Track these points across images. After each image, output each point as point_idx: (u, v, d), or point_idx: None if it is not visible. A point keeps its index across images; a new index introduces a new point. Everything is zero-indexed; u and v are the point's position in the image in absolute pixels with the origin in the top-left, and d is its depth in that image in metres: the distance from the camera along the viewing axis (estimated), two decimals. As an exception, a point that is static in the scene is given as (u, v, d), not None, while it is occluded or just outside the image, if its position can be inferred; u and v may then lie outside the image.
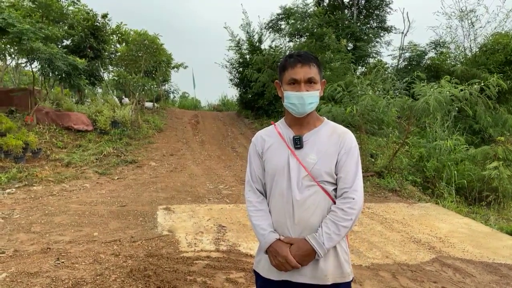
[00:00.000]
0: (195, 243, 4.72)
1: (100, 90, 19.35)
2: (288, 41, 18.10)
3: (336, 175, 1.74)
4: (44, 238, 4.75)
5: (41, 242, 4.60)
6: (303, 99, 1.72)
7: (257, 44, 18.76)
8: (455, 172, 8.71)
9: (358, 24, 17.87)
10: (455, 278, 4.09)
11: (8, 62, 16.35)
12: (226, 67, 19.74)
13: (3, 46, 11.85)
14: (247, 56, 18.67)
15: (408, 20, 18.78)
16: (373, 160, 10.34)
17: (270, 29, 18.55)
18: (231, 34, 18.80)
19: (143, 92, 15.51)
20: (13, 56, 14.19)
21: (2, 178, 7.93)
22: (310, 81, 1.72)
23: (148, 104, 18.02)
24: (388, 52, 39.57)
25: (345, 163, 1.73)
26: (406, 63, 17.33)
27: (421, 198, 8.07)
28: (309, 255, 1.67)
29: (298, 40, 17.22)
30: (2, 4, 10.87)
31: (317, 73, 1.75)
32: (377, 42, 18.00)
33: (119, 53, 15.06)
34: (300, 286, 1.73)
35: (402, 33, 18.02)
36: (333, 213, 1.69)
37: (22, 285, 3.44)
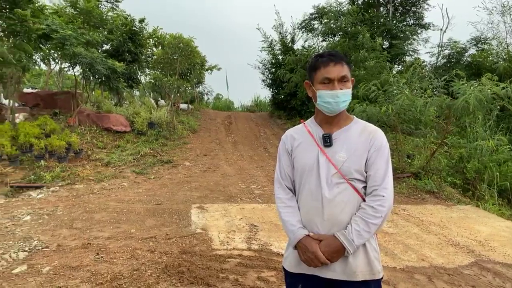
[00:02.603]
0: (227, 242, 4.80)
1: (137, 93, 20.01)
2: (321, 41, 17.96)
3: (366, 173, 1.74)
4: (84, 234, 4.99)
5: (82, 237, 4.83)
6: (338, 97, 1.74)
7: (290, 44, 18.75)
8: (498, 173, 8.32)
9: (394, 21, 17.43)
10: (495, 283, 3.92)
11: (52, 67, 17.27)
12: (259, 68, 19.88)
13: (47, 51, 12.50)
14: (280, 57, 18.69)
15: (448, 16, 18.15)
16: (409, 161, 10.07)
17: (303, 29, 18.48)
18: (264, 35, 18.91)
19: (178, 94, 15.88)
20: (56, 61, 14.96)
21: (47, 176, 8.38)
22: (343, 80, 1.75)
23: (183, 106, 18.42)
24: (426, 49, 38.33)
25: (375, 161, 1.73)
26: (445, 60, 16.73)
27: (461, 200, 7.77)
28: (338, 252, 1.68)
29: (331, 39, 17.04)
30: (46, 11, 11.47)
31: (348, 72, 1.78)
32: (414, 39, 17.47)
33: (155, 56, 15.50)
34: (328, 282, 1.75)
35: (441, 29, 17.42)
36: (362, 210, 1.70)
37: (64, 278, 3.63)
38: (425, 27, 18.01)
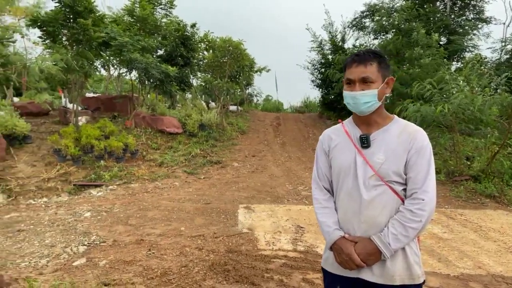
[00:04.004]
0: (273, 242, 4.83)
1: (189, 96, 20.65)
2: (373, 39, 17.45)
3: (406, 175, 1.68)
4: (138, 230, 5.25)
5: (136, 234, 5.10)
6: (357, 99, 1.71)
7: (340, 43, 18.41)
8: None
9: (452, 16, 16.51)
10: None
11: (111, 72, 18.34)
12: (308, 68, 19.70)
13: (107, 58, 13.29)
14: (330, 57, 18.41)
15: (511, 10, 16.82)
16: (468, 163, 9.48)
17: (354, 28, 18.07)
18: (313, 35, 18.72)
19: (227, 96, 16.18)
20: (115, 66, 15.84)
21: (106, 176, 8.92)
22: (365, 81, 1.70)
23: (233, 108, 18.74)
24: (487, 45, 35.83)
25: (415, 163, 1.67)
26: (508, 56, 15.55)
27: (526, 206, 7.19)
28: (374, 255, 1.65)
29: (383, 37, 16.50)
30: (105, 20, 12.21)
31: (375, 72, 1.70)
32: (474, 34, 16.42)
33: (206, 60, 15.91)
34: (367, 284, 1.72)
35: (504, 23, 16.22)
36: (400, 213, 1.65)
37: (118, 272, 3.86)
38: (486, 21, 16.87)
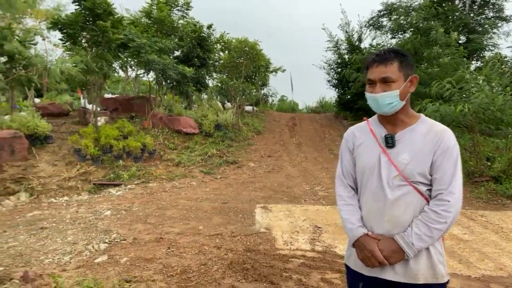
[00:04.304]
0: (290, 242, 4.83)
1: (205, 96, 20.79)
2: (391, 38, 17.25)
3: (431, 175, 1.67)
4: (157, 229, 5.32)
5: (155, 232, 5.17)
6: (377, 100, 1.71)
7: (357, 43, 18.28)
8: None
9: (472, 14, 16.19)
10: None
11: (129, 74, 18.59)
12: (324, 68, 19.62)
13: (125, 59, 13.50)
14: (346, 56, 18.30)
15: (534, 6, 16.39)
16: (489, 163, 9.28)
17: (371, 27, 17.91)
18: (329, 35, 18.65)
19: (243, 97, 16.23)
20: (133, 68, 16.07)
21: (125, 175, 9.06)
22: (385, 81, 1.68)
23: (248, 108, 18.79)
24: (507, 43, 34.99)
25: (442, 164, 1.65)
26: (530, 54, 15.15)
27: (549, 208, 7.00)
28: (396, 253, 1.64)
29: (401, 36, 16.30)
30: (124, 22, 12.40)
31: (396, 71, 1.68)
32: (494, 33, 16.06)
33: (222, 61, 16.00)
34: (389, 284, 1.71)
35: (525, 22, 15.82)
36: (425, 214, 1.64)
37: (139, 269, 3.92)
38: (506, 19, 16.48)
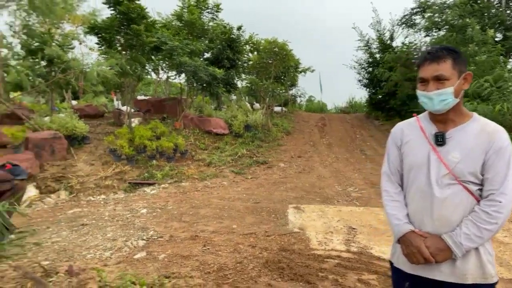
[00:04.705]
0: (325, 242, 4.80)
1: (234, 97, 20.96)
2: (424, 36, 16.82)
3: (482, 175, 1.63)
4: (192, 227, 5.42)
5: (190, 230, 5.26)
6: (430, 98, 1.68)
7: (388, 41, 17.95)
8: None
9: (508, 11, 15.52)
10: None
11: (160, 76, 19.01)
12: (355, 68, 19.37)
13: (157, 61, 13.82)
14: (377, 55, 18.00)
15: None
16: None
17: (403, 25, 17.53)
18: (360, 34, 18.39)
19: (272, 97, 16.25)
20: (165, 70, 16.43)
21: (158, 175, 9.27)
22: (438, 79, 1.65)
23: (277, 108, 18.78)
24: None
25: (494, 164, 1.61)
26: None
27: None
28: (443, 251, 1.61)
29: (435, 34, 15.85)
30: (156, 25, 12.70)
31: (449, 69, 1.65)
32: (531, 30, 15.31)
33: (251, 62, 16.09)
34: (435, 283, 1.68)
35: None
36: (475, 214, 1.61)
37: (177, 266, 4.00)
38: (544, 16, 15.68)
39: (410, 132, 1.85)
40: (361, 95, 26.55)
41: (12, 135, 8.75)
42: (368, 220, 5.76)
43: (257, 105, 18.40)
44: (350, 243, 4.80)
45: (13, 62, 13.20)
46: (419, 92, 1.74)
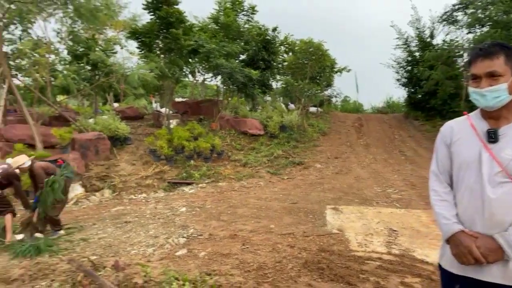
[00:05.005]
0: (365, 244, 4.72)
1: (269, 98, 21.03)
2: (466, 33, 16.14)
3: None
4: (230, 226, 5.49)
5: (228, 229, 5.34)
6: (483, 95, 1.62)
7: (428, 39, 17.38)
8: None
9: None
10: None
11: (197, 78, 19.40)
12: (393, 67, 18.89)
13: (195, 64, 14.12)
14: (417, 54, 17.47)
15: None
16: None
17: (444, 22, 16.88)
18: (398, 32, 17.93)
19: (307, 98, 16.16)
20: (201, 72, 16.76)
21: (196, 174, 9.47)
22: (492, 75, 1.60)
23: (312, 109, 18.65)
24: None
25: None
26: None
27: None
28: (495, 252, 1.55)
29: (478, 31, 15.16)
30: (194, 29, 12.99)
31: (502, 65, 1.60)
32: None
33: (286, 62, 16.09)
34: (485, 285, 1.61)
35: None
36: None
37: (217, 263, 4.08)
38: None
39: (460, 130, 1.80)
40: (399, 94, 25.87)
41: (60, 136, 9.24)
42: (410, 222, 5.61)
43: (292, 106, 18.35)
44: (391, 245, 4.69)
45: (59, 67, 13.93)
46: (471, 89, 1.69)
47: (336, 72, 18.11)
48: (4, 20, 10.37)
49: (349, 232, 5.18)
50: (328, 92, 21.44)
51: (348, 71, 18.50)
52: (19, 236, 5.06)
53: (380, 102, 24.65)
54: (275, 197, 7.28)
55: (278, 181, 9.01)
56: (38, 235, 5.05)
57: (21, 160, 5.16)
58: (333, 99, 23.58)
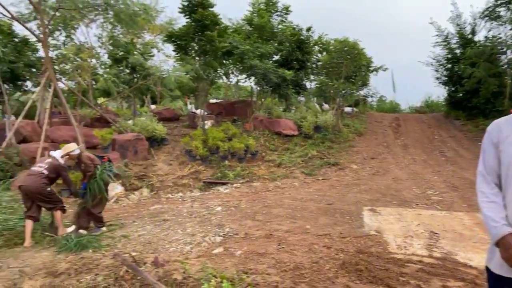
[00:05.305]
0: (404, 246, 4.59)
1: (302, 98, 20.90)
2: (510, 29, 15.33)
3: None
4: (266, 225, 5.50)
5: (264, 229, 5.34)
6: None
7: (470, 36, 16.65)
8: None
9: None
10: None
11: (230, 79, 19.60)
12: (432, 65, 18.24)
13: (229, 66, 14.27)
14: (457, 51, 16.79)
15: None
16: None
17: (486, 18, 16.12)
18: (438, 29, 17.30)
19: (342, 98, 15.92)
20: (235, 73, 16.92)
21: (230, 174, 9.55)
22: None
23: (348, 109, 18.35)
24: None
25: None
26: None
27: None
28: None
29: (523, 26, 14.39)
30: (228, 31, 13.14)
31: None
32: None
33: (321, 62, 15.92)
34: None
35: None
36: None
37: (253, 262, 4.09)
38: None
39: (508, 128, 1.71)
40: (438, 93, 24.89)
41: (102, 137, 9.61)
42: (452, 225, 5.40)
43: (326, 106, 18.12)
44: (433, 248, 4.53)
45: (100, 71, 14.49)
46: None
47: (372, 71, 17.67)
48: (50, 27, 10.93)
49: (388, 234, 5.05)
50: (363, 91, 21.01)
51: (385, 70, 18.00)
52: (70, 229, 5.33)
53: (418, 101, 23.89)
54: (310, 197, 7.22)
55: (313, 182, 8.94)
56: (82, 231, 5.28)
57: (72, 147, 5.48)
58: (369, 99, 23.10)
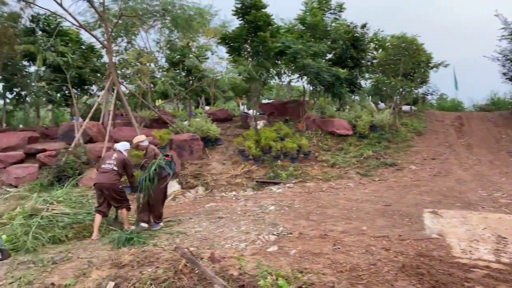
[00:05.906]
0: (470, 251, 4.31)
1: (356, 97, 20.36)
2: None
3: None
4: (320, 226, 5.43)
5: (318, 229, 5.28)
6: None
7: (541, 26, 15.28)
8: None
9: None
10: None
11: (283, 79, 19.60)
12: (498, 60, 16.95)
13: (281, 66, 14.26)
14: (528, 43, 15.47)
15: None
16: None
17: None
18: (504, 21, 16.04)
19: (400, 96, 15.32)
20: (287, 73, 16.88)
21: (283, 174, 9.55)
22: None
23: (405, 108, 17.62)
24: None
25: None
26: None
27: None
28: None
29: None
30: (280, 31, 13.14)
31: None
32: None
33: (376, 60, 15.42)
34: None
35: None
36: None
37: (308, 262, 4.05)
38: None
39: None
40: (505, 90, 23.05)
41: (160, 137, 10.05)
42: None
43: (382, 105, 17.53)
44: (501, 253, 4.22)
45: (158, 74, 15.14)
46: None
47: (432, 67, 16.80)
48: (113, 34, 11.62)
49: (451, 237, 4.77)
50: (422, 89, 20.06)
51: (446, 66, 17.05)
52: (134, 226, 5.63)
53: (482, 99, 22.33)
54: (366, 198, 7.02)
55: (368, 183, 8.69)
56: (143, 224, 5.54)
57: (142, 138, 5.95)
58: (429, 97, 21.99)
